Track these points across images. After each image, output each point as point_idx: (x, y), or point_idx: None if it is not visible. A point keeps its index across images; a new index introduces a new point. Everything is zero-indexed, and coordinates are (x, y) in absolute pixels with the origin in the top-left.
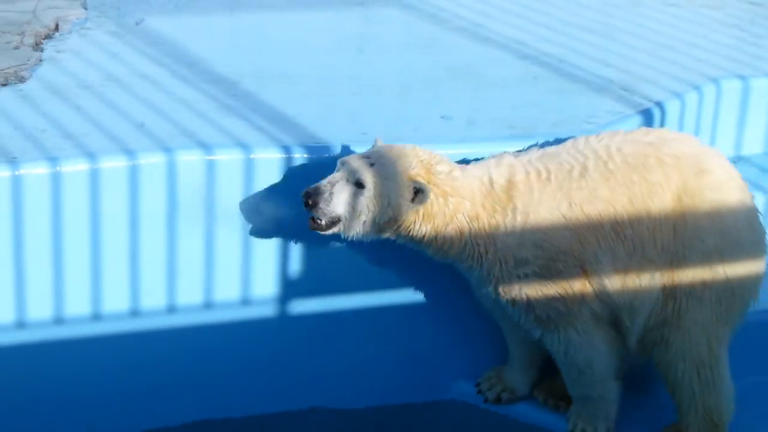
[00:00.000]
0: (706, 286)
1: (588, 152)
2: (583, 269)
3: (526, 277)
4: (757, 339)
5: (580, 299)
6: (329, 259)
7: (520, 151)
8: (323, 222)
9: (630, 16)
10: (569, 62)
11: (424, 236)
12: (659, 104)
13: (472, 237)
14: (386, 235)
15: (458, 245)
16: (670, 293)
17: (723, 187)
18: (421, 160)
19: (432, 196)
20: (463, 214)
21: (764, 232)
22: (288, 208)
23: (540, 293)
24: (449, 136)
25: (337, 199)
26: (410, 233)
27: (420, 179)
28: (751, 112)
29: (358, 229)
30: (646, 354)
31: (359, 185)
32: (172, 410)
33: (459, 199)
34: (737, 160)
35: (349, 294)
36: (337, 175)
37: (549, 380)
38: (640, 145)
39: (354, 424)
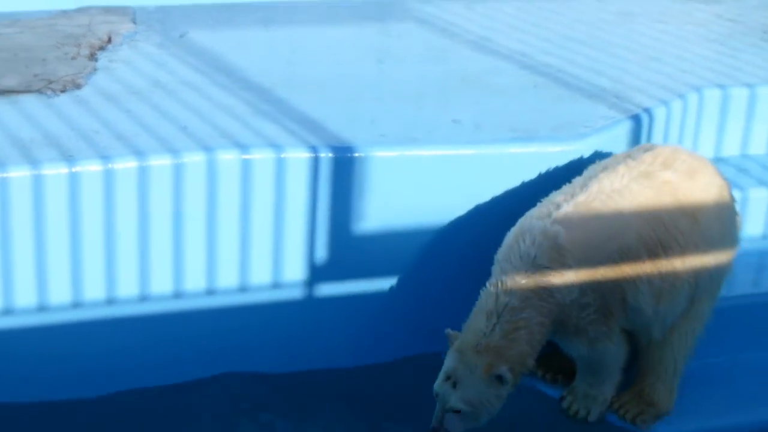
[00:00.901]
0: (713, 280)
1: (616, 197)
2: (623, 297)
3: (587, 316)
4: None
5: (618, 320)
6: (357, 248)
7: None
8: None
9: (622, 31)
10: (567, 72)
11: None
12: (647, 110)
13: (551, 315)
14: None
15: (548, 328)
16: (695, 296)
17: (722, 196)
18: (483, 346)
19: (510, 368)
20: (537, 319)
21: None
22: (316, 202)
23: (595, 324)
24: (459, 138)
25: (450, 428)
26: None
27: (495, 369)
28: (730, 118)
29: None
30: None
31: (457, 411)
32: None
33: (528, 325)
34: (717, 161)
35: (374, 279)
36: (438, 411)
37: (546, 356)
38: (654, 180)
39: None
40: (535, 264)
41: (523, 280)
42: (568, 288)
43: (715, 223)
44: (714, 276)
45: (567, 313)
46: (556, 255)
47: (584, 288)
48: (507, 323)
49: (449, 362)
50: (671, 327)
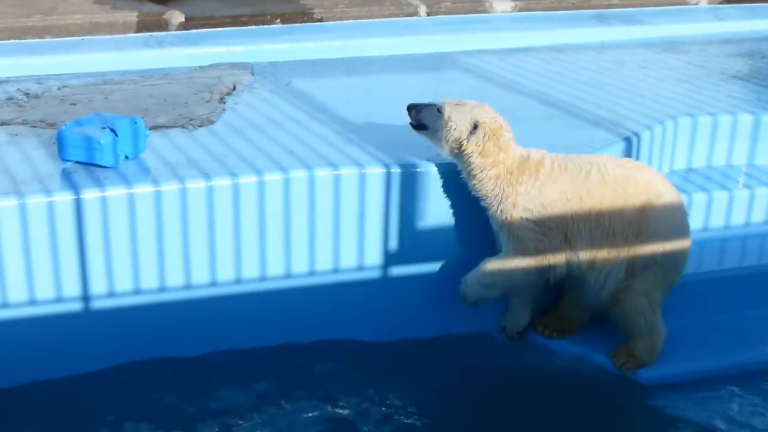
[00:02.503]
0: (658, 259)
1: (594, 166)
2: (565, 236)
3: (526, 221)
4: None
5: (557, 251)
6: (418, 237)
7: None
8: (414, 124)
9: (616, 75)
10: (575, 106)
11: (474, 168)
12: (636, 133)
13: (502, 184)
14: (458, 160)
15: (491, 186)
16: (631, 270)
17: (671, 203)
18: (496, 122)
19: (491, 143)
20: (504, 165)
21: (689, 226)
22: (388, 203)
23: (531, 234)
24: None
25: (423, 115)
26: (469, 162)
27: (481, 120)
28: (698, 139)
29: (436, 143)
30: (610, 310)
31: (439, 111)
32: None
33: (506, 155)
34: (688, 171)
35: (430, 263)
36: (432, 102)
37: (545, 316)
38: (626, 171)
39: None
40: (529, 156)
41: (523, 151)
42: (527, 191)
43: (660, 217)
44: (656, 256)
45: (513, 207)
46: (536, 166)
47: (536, 201)
48: (510, 141)
49: (469, 100)
50: (625, 292)
